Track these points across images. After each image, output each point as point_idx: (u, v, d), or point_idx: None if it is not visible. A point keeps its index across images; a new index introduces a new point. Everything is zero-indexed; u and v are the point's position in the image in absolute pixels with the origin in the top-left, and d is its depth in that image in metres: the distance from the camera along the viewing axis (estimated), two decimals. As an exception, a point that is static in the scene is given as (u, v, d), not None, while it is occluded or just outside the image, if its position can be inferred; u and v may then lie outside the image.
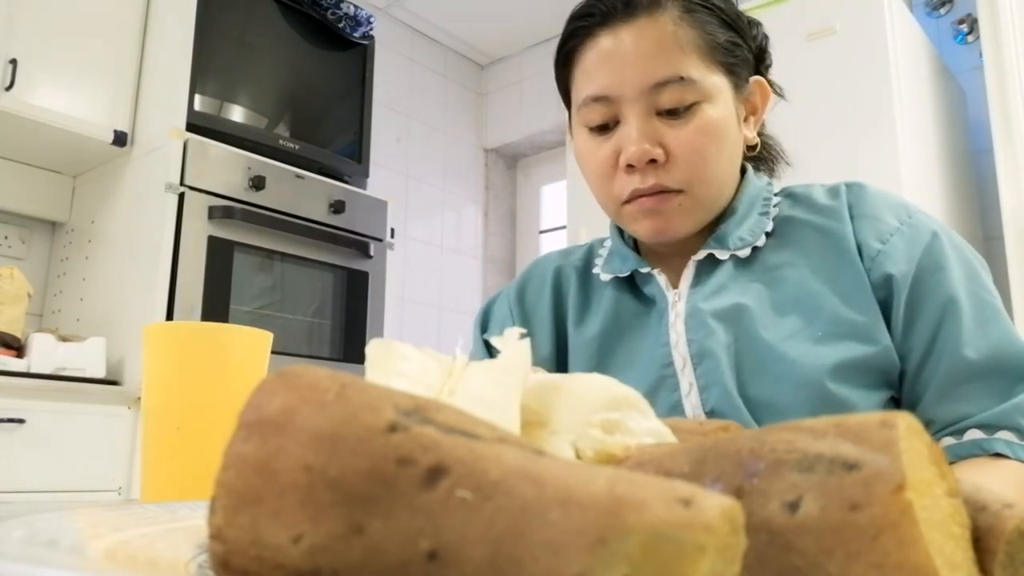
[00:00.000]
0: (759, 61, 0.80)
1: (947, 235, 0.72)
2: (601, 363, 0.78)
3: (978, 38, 2.45)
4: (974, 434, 0.64)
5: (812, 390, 0.66)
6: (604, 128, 0.74)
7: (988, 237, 2.43)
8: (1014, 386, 0.64)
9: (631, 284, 0.80)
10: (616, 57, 0.72)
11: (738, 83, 0.76)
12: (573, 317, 0.83)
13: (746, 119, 0.78)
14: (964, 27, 2.63)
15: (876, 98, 2.06)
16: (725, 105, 0.73)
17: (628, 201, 0.73)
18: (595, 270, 0.84)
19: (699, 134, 0.71)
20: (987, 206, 2.47)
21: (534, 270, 0.90)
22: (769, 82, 0.81)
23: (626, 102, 0.72)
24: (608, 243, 0.87)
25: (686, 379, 0.72)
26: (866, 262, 0.70)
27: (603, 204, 0.78)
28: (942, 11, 2.69)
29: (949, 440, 0.65)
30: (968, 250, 0.72)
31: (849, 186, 0.76)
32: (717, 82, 0.73)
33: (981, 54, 2.34)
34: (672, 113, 0.71)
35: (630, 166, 0.72)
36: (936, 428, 0.66)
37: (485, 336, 0.88)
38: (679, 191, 0.72)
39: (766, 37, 0.82)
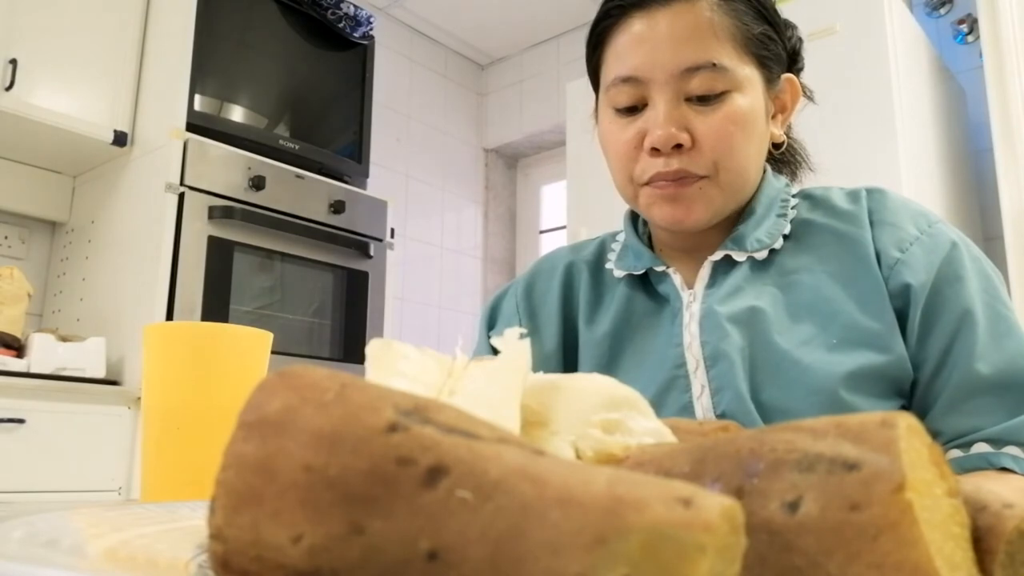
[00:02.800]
0: (792, 62, 0.80)
1: (966, 246, 0.71)
2: (612, 362, 0.77)
3: (978, 38, 2.45)
4: (981, 447, 0.63)
5: (825, 397, 0.65)
6: (631, 111, 0.73)
7: (988, 237, 2.43)
8: None
9: (644, 281, 0.79)
10: (649, 39, 0.71)
11: (770, 77, 0.75)
12: (584, 314, 0.82)
13: (774, 116, 0.77)
14: (964, 27, 2.63)
15: (876, 98, 2.06)
16: (755, 97, 0.72)
17: (648, 184, 0.72)
18: (608, 265, 0.83)
19: (727, 122, 0.70)
20: (987, 206, 2.47)
21: (543, 265, 0.89)
22: (800, 84, 0.80)
23: (656, 85, 0.71)
24: (621, 237, 0.85)
25: (698, 381, 0.71)
26: (884, 270, 0.69)
27: (621, 187, 0.77)
28: (942, 11, 2.69)
29: (956, 452, 0.64)
30: (986, 262, 0.71)
31: (870, 191, 0.75)
32: (749, 73, 0.72)
33: (981, 54, 2.34)
34: (701, 100, 0.70)
35: (655, 150, 0.70)
36: (944, 440, 0.65)
37: (492, 334, 0.87)
38: (702, 176, 0.71)
39: (800, 40, 0.81)
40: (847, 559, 0.20)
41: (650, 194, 0.73)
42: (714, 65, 0.70)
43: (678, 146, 0.70)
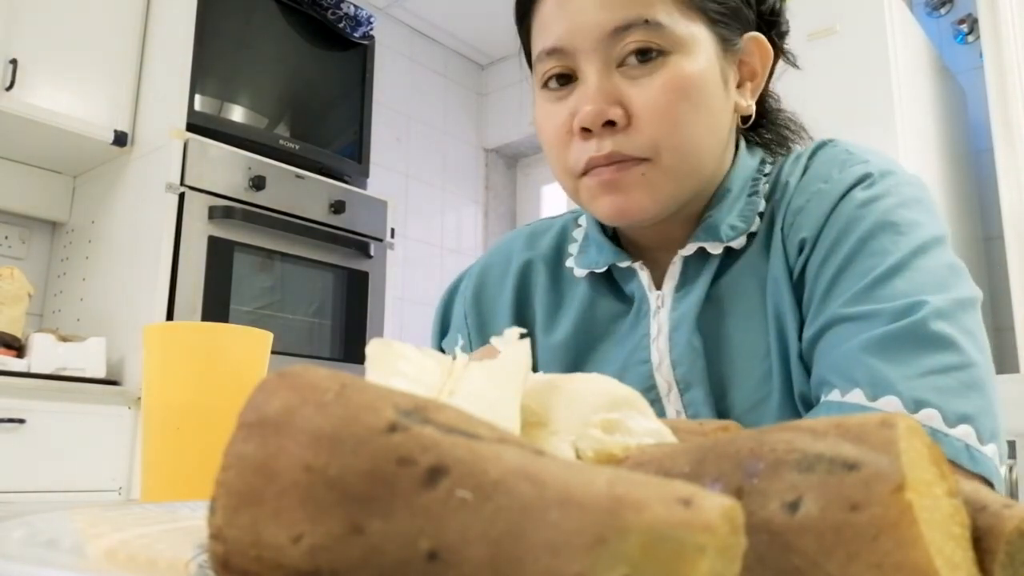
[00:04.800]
0: (770, 26, 0.69)
1: (871, 186, 0.60)
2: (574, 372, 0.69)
3: (978, 38, 2.45)
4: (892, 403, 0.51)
5: (792, 414, 0.60)
6: (563, 83, 0.63)
7: (988, 237, 2.43)
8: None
9: (609, 278, 0.70)
10: (573, 2, 0.61)
11: (726, 37, 0.64)
12: (541, 321, 0.72)
13: (740, 84, 0.66)
14: (964, 27, 2.63)
15: (876, 98, 2.06)
16: (706, 61, 0.61)
17: (585, 173, 0.62)
18: (568, 262, 0.73)
19: (668, 90, 0.59)
20: (987, 206, 2.47)
21: (494, 260, 0.78)
22: (781, 49, 0.70)
23: (582, 54, 0.61)
24: (584, 221, 0.75)
25: (672, 406, 0.64)
26: (785, 243, 0.62)
27: (561, 182, 0.66)
28: (942, 11, 2.69)
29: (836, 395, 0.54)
30: (891, 197, 0.60)
31: (812, 153, 0.66)
32: (695, 32, 0.61)
33: (981, 54, 2.34)
34: (637, 64, 0.60)
35: (584, 130, 0.60)
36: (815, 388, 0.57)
37: (443, 344, 0.78)
38: (643, 159, 0.60)
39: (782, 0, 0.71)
40: (847, 559, 0.20)
41: (589, 186, 0.62)
42: (647, 22, 0.59)
43: (610, 124, 0.59)
